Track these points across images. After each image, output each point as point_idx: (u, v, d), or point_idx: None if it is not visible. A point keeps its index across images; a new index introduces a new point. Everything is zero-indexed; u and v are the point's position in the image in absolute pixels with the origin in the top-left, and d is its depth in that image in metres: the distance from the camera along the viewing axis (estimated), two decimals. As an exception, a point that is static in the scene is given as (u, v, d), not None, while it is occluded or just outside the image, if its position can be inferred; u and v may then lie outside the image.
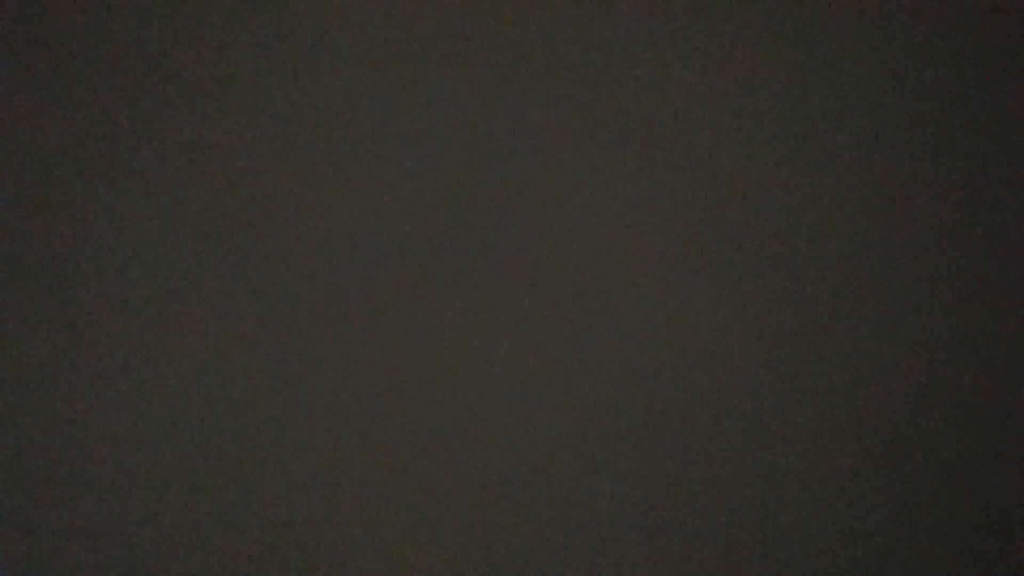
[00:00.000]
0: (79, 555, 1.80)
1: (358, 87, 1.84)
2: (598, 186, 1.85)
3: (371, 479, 1.82)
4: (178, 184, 1.82)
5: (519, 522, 1.83)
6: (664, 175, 1.86)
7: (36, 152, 1.82)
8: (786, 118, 1.87)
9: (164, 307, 1.81)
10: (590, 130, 1.85)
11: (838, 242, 1.87)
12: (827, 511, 1.85)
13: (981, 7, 1.88)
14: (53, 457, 1.80)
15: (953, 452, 1.86)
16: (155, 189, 1.82)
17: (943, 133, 1.88)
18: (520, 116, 1.85)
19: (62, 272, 1.81)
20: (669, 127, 1.86)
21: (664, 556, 1.84)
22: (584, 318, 1.84)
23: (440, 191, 1.84)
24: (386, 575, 1.82)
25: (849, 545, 1.85)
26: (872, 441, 1.86)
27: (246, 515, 1.81)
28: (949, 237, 1.88)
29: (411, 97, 1.84)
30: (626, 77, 1.86)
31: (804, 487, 1.85)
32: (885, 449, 1.86)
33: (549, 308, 1.84)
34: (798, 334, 1.86)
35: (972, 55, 1.89)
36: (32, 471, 1.80)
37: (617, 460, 1.84)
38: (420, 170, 1.84)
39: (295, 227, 1.83)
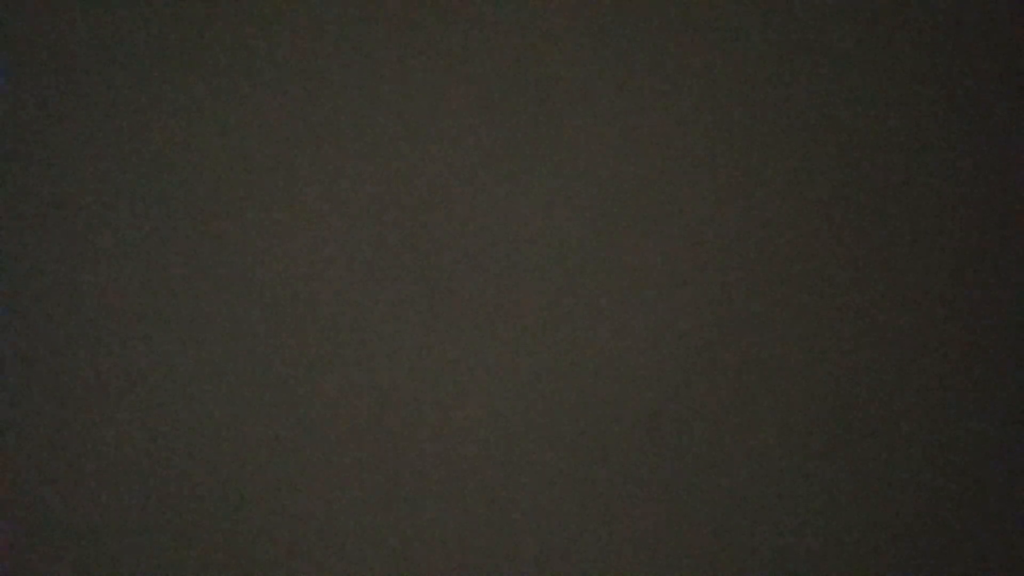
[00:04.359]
0: (78, 555, 1.80)
1: (353, 89, 1.84)
2: (588, 187, 1.85)
3: (365, 480, 1.82)
4: (177, 185, 1.82)
5: (510, 524, 1.83)
6: (651, 177, 1.86)
7: (34, 152, 1.82)
8: (775, 119, 1.87)
9: (162, 308, 1.81)
10: (578, 131, 1.85)
11: (827, 242, 1.87)
12: (820, 514, 1.85)
13: (981, 7, 1.88)
14: (53, 457, 1.80)
15: (946, 454, 1.87)
16: (154, 190, 1.82)
17: (939, 134, 1.88)
18: (509, 118, 1.85)
19: (61, 272, 1.81)
20: (656, 128, 1.86)
21: (654, 558, 1.84)
22: (572, 320, 1.84)
23: (432, 193, 1.84)
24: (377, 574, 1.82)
25: (843, 547, 1.86)
26: (866, 443, 1.86)
27: (242, 515, 1.81)
28: (942, 238, 1.88)
29: (405, 98, 1.84)
30: (617, 79, 1.86)
31: (792, 490, 1.85)
32: (879, 451, 1.86)
33: (538, 310, 1.84)
34: (789, 335, 1.86)
35: (970, 54, 1.89)
36: (32, 471, 1.80)
37: (609, 462, 1.84)
38: (411, 173, 1.84)
39: (289, 231, 1.83)
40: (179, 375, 1.81)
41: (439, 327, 1.83)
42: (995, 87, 1.88)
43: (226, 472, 1.81)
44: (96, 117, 1.82)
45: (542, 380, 1.83)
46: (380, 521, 1.82)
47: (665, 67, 1.86)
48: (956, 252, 1.87)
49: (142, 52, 1.83)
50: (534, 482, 1.83)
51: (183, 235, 1.82)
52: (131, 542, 1.80)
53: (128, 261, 1.81)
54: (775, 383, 1.85)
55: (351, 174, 1.83)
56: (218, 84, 1.83)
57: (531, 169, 1.85)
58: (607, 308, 1.84)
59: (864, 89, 1.87)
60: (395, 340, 1.83)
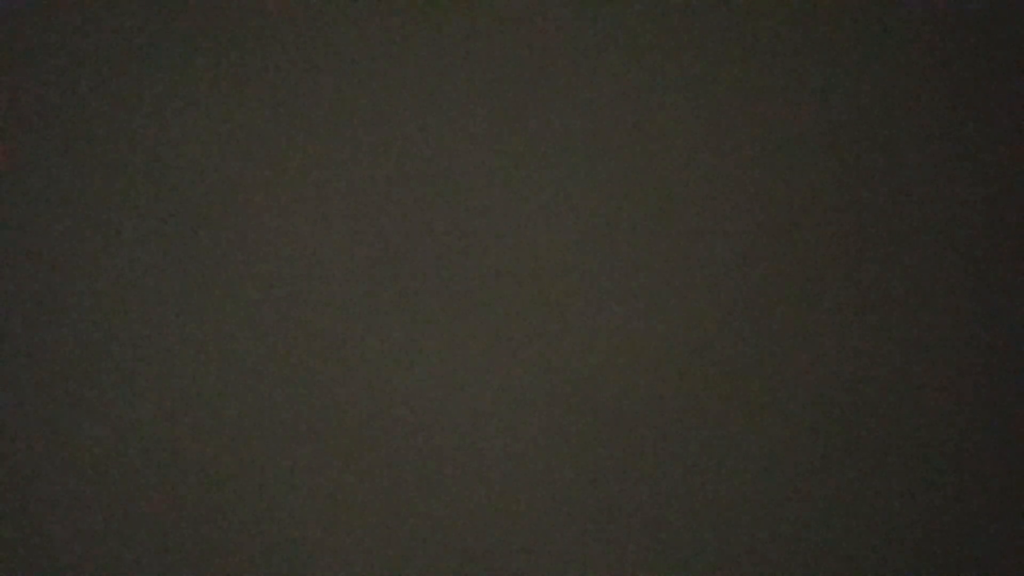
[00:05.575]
0: (77, 554, 1.80)
1: (349, 89, 1.84)
2: (585, 188, 1.85)
3: (361, 479, 1.82)
4: (175, 184, 1.83)
5: (509, 524, 1.83)
6: (649, 178, 1.86)
7: (34, 151, 1.82)
8: (775, 120, 1.87)
9: (158, 307, 1.82)
10: (571, 131, 1.85)
11: (826, 243, 1.87)
12: (819, 514, 1.85)
13: (980, 7, 1.88)
14: (53, 457, 1.80)
15: (946, 455, 1.87)
16: (152, 189, 1.82)
17: (936, 135, 1.88)
18: (505, 118, 1.85)
19: (60, 272, 1.81)
20: (648, 128, 1.86)
21: (654, 557, 1.84)
22: (570, 320, 1.84)
23: (425, 194, 1.84)
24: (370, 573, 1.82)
25: (843, 547, 1.86)
26: (866, 443, 1.86)
27: (240, 516, 1.81)
28: (942, 238, 1.88)
29: (402, 99, 1.85)
30: (609, 79, 1.86)
31: (777, 486, 1.85)
32: (878, 452, 1.86)
33: (535, 310, 1.84)
34: (787, 335, 1.86)
35: (969, 55, 1.89)
36: (31, 471, 1.80)
37: (606, 463, 1.84)
38: (407, 173, 1.84)
39: (285, 232, 1.83)
40: (176, 375, 1.81)
41: (436, 327, 1.83)
42: (995, 87, 1.88)
43: (224, 471, 1.81)
44: (95, 117, 1.82)
45: (539, 380, 1.84)
46: (377, 520, 1.82)
47: (664, 69, 1.86)
48: (956, 252, 1.87)
49: (141, 51, 1.83)
50: (532, 481, 1.83)
51: (180, 235, 1.82)
52: (130, 542, 1.81)
53: (125, 261, 1.82)
54: (773, 383, 1.85)
55: (349, 174, 1.84)
56: (216, 83, 1.83)
57: (528, 170, 1.85)
58: (604, 308, 1.84)
59: (865, 89, 1.87)
60: (392, 340, 1.83)
